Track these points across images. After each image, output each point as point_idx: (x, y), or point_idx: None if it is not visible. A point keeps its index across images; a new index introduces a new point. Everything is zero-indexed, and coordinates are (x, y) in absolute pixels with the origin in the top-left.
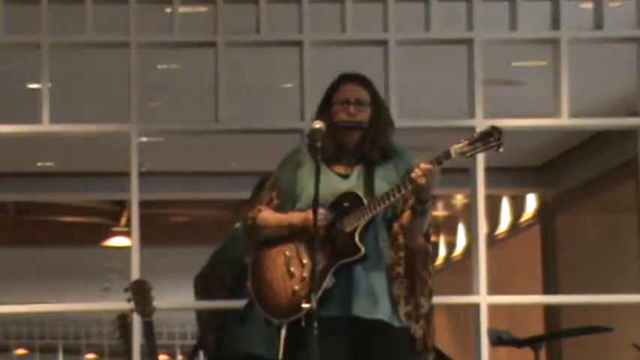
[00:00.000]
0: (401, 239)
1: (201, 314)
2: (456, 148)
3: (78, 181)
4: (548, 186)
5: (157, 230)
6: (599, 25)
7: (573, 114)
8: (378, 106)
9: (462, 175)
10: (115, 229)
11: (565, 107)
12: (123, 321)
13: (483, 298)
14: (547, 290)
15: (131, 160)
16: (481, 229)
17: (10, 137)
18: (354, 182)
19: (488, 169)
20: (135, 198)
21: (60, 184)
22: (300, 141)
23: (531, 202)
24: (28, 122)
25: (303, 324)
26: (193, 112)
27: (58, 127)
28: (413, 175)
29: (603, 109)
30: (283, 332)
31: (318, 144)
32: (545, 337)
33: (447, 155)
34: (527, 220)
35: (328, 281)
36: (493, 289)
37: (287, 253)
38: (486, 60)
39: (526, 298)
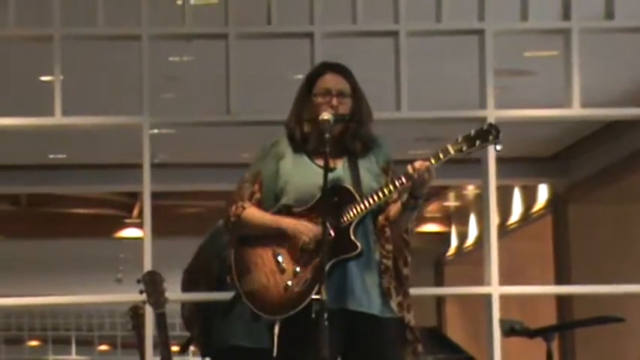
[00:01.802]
0: (388, 232)
1: (184, 307)
2: (453, 145)
3: (90, 173)
4: (559, 176)
5: (169, 222)
6: (610, 15)
7: (585, 104)
8: (359, 97)
9: (474, 165)
10: (127, 220)
11: (576, 97)
12: (135, 312)
13: (495, 289)
14: (559, 280)
15: (143, 151)
16: (493, 219)
17: (22, 130)
18: (340, 175)
19: (500, 160)
20: (147, 190)
21: (72, 176)
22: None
23: (543, 192)
24: (41, 115)
25: (313, 315)
26: (205, 104)
27: (70, 120)
28: (409, 171)
29: (615, 99)
30: (277, 329)
31: (327, 135)
32: (558, 328)
33: (445, 152)
34: (538, 211)
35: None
36: (505, 280)
37: (275, 247)
38: (497, 50)
39: (538, 289)
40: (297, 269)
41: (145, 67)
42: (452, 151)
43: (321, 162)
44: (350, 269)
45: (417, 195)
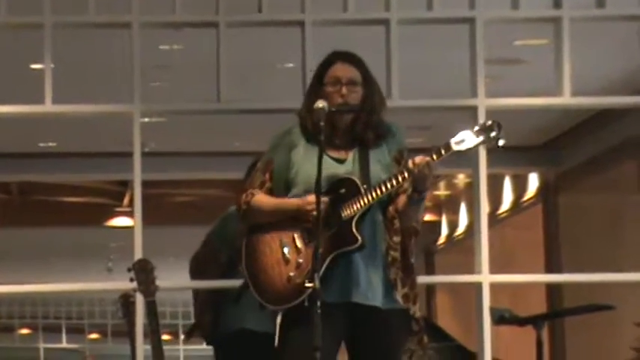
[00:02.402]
0: (397, 223)
1: (197, 294)
2: (456, 141)
3: (80, 162)
4: (550, 165)
5: (160, 210)
6: (601, 3)
7: (575, 92)
8: (370, 85)
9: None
10: (117, 209)
11: (567, 86)
12: (126, 300)
13: (485, 277)
14: (549, 269)
15: (134, 140)
16: (483, 208)
17: (12, 117)
18: (350, 167)
19: (490, 149)
20: (137, 178)
21: (62, 165)
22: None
23: (533, 180)
24: (31, 103)
25: (306, 304)
26: (196, 92)
27: (60, 108)
28: (410, 166)
29: (605, 88)
30: (279, 319)
31: (322, 124)
32: (548, 316)
33: (447, 148)
34: (529, 199)
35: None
36: (495, 268)
37: (283, 238)
38: (488, 39)
39: (528, 277)
40: (300, 260)
41: (135, 55)
42: (454, 147)
43: (333, 153)
44: (354, 262)
45: (419, 189)
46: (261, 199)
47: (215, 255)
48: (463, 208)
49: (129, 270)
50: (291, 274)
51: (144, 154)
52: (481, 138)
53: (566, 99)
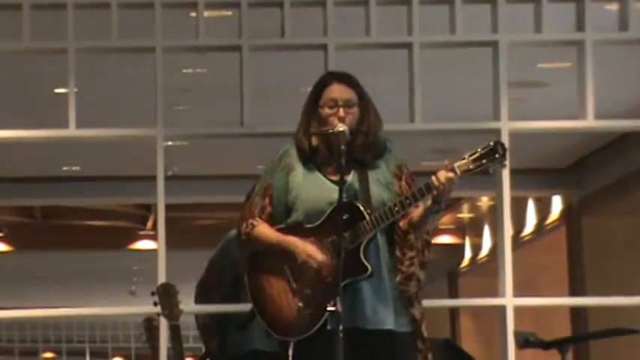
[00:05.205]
0: (412, 238)
1: (200, 320)
2: (460, 165)
3: (104, 185)
4: (573, 188)
5: (184, 233)
6: (624, 26)
7: (599, 115)
8: (366, 106)
9: (488, 176)
10: (141, 232)
11: (590, 109)
12: (150, 324)
13: (509, 300)
14: (573, 292)
15: (157, 163)
16: (506, 231)
17: (36, 142)
18: (350, 189)
19: (514, 171)
20: (161, 202)
21: (86, 188)
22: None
23: (557, 203)
24: (55, 127)
25: (328, 327)
26: (219, 116)
27: (84, 132)
28: (435, 183)
29: (629, 111)
30: (291, 350)
31: (343, 147)
32: (572, 340)
33: (454, 171)
34: (552, 222)
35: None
36: (519, 291)
37: (287, 268)
38: (511, 62)
39: (552, 300)
40: (308, 291)
41: (158, 79)
42: (458, 172)
43: (331, 175)
44: (360, 287)
45: (441, 201)
46: (262, 231)
47: (219, 279)
48: (487, 231)
49: (152, 294)
50: (300, 304)
51: (167, 178)
52: (485, 161)
53: (589, 122)
